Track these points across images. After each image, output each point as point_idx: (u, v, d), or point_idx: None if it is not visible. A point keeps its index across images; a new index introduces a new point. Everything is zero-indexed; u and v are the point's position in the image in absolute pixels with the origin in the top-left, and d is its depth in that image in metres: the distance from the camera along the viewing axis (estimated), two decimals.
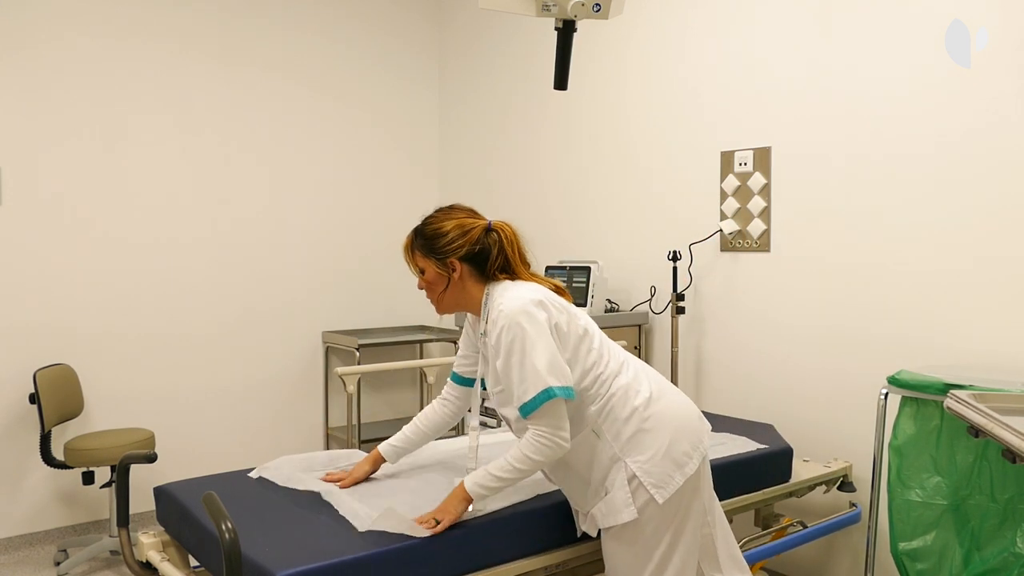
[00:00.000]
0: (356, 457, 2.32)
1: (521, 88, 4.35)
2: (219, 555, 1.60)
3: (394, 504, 1.88)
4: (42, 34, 3.62)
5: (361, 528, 1.81)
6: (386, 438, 4.58)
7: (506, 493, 1.97)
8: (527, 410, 1.76)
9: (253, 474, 2.24)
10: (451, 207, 1.98)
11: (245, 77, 4.21)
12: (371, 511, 1.86)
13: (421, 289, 1.98)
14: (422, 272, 1.94)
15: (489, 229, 1.93)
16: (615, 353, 1.96)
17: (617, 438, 1.88)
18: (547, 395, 1.74)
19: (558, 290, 1.95)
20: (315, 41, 4.45)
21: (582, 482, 1.94)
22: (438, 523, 1.79)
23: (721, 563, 1.97)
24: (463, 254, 1.89)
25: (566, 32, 1.73)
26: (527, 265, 1.97)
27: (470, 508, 1.85)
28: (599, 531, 1.94)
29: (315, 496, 2.06)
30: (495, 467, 1.81)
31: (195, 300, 4.08)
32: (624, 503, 1.84)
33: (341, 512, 1.90)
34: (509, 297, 1.82)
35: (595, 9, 1.67)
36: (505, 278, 1.93)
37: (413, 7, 4.85)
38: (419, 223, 1.96)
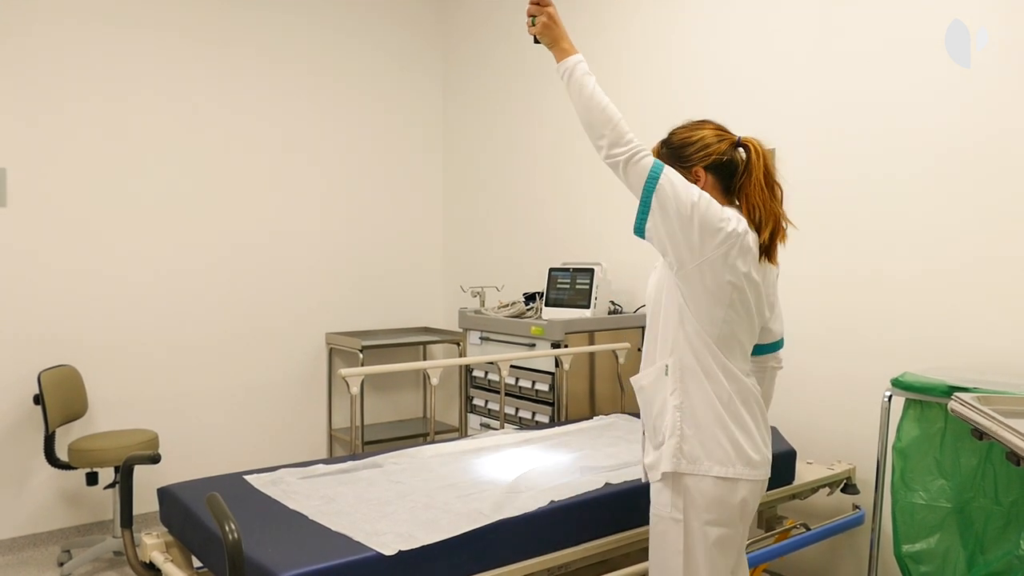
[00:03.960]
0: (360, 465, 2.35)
1: (522, 85, 4.35)
2: (222, 556, 1.60)
3: (391, 524, 1.89)
4: (47, 35, 3.63)
5: (356, 538, 1.80)
6: (388, 440, 4.59)
7: (523, 500, 2.04)
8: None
9: (254, 482, 2.24)
10: (701, 120, 1.89)
11: (247, 78, 4.22)
12: (365, 527, 1.86)
13: None
14: None
15: (738, 144, 1.83)
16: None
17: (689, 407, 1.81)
18: (656, 169, 1.68)
19: (782, 232, 1.83)
20: (315, 43, 4.47)
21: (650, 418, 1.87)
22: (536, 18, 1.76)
23: None
24: (709, 163, 1.82)
25: None
26: (773, 188, 1.83)
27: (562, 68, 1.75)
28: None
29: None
30: (595, 81, 1.74)
31: (199, 301, 4.09)
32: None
33: (333, 529, 1.87)
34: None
35: None
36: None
37: None
38: (667, 134, 1.89)
